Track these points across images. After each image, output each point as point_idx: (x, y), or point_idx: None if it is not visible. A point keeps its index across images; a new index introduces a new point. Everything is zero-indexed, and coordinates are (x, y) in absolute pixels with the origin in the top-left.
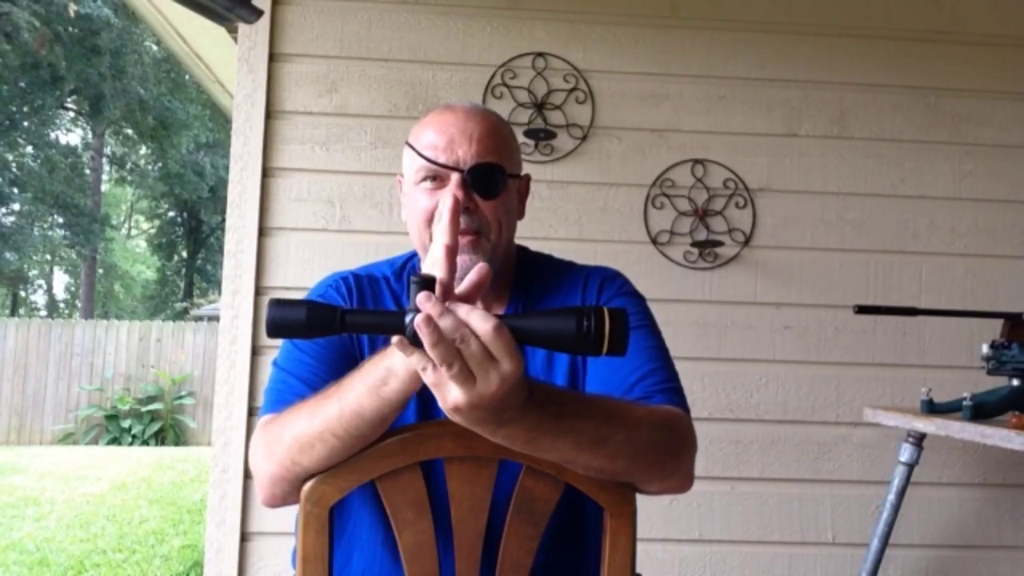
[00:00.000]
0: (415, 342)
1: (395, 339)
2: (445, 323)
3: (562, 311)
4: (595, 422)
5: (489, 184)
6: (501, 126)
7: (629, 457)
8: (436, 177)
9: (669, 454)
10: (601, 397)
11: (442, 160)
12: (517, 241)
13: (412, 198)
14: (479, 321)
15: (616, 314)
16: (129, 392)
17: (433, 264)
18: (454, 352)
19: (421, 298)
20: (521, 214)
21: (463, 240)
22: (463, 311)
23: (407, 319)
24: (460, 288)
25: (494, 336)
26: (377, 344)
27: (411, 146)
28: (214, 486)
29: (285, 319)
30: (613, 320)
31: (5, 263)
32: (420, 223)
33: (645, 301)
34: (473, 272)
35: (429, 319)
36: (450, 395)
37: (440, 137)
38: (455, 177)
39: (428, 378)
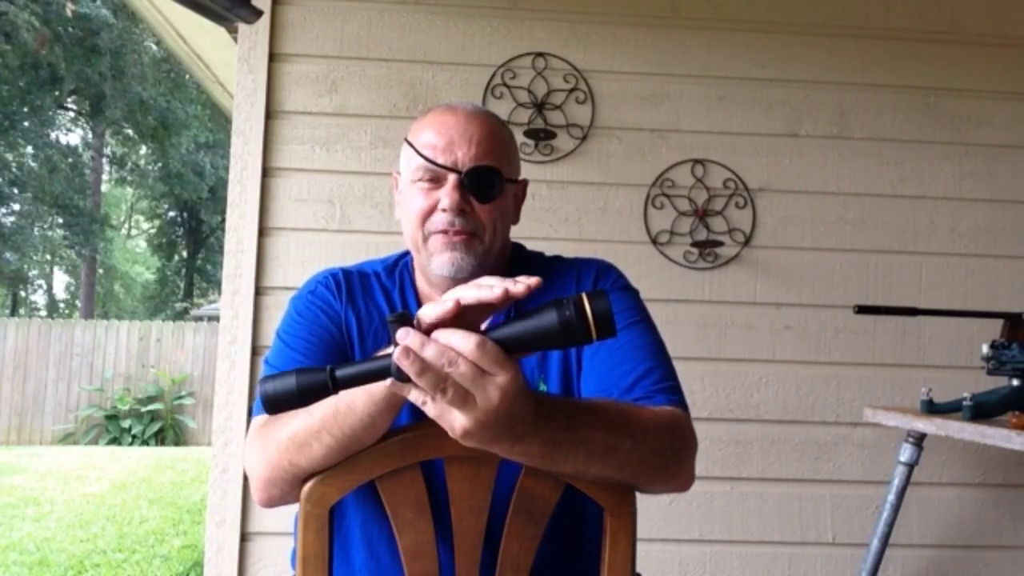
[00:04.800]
0: (405, 378)
1: (388, 383)
2: (429, 352)
3: (541, 308)
4: (604, 431)
5: (485, 187)
6: (501, 130)
7: (637, 464)
8: (433, 177)
9: (673, 457)
10: (606, 403)
11: (440, 161)
12: (515, 240)
13: (408, 196)
14: (461, 341)
15: (594, 296)
16: (129, 392)
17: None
18: (442, 377)
19: (400, 335)
20: (516, 219)
21: (457, 239)
22: (444, 335)
23: (392, 359)
24: (430, 318)
25: (479, 352)
26: (367, 339)
27: (410, 144)
28: (214, 486)
29: (277, 392)
30: (593, 303)
31: (5, 263)
32: (415, 221)
33: (639, 295)
34: (440, 307)
35: (407, 350)
36: (456, 422)
37: (440, 138)
38: (452, 178)
39: (431, 411)
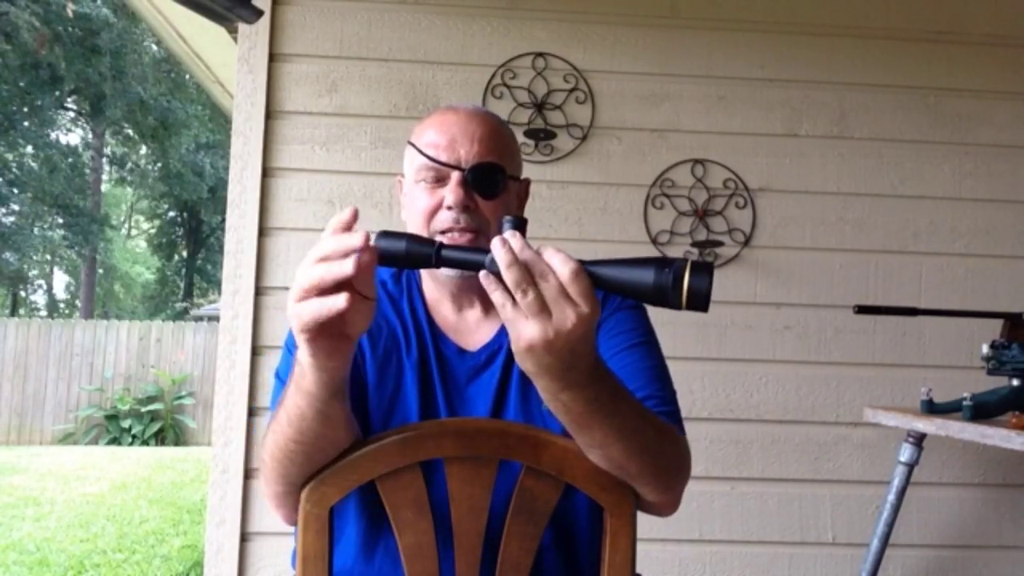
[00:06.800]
0: (496, 271)
1: (481, 275)
2: (526, 255)
3: (643, 260)
4: (636, 412)
5: (489, 184)
6: (503, 128)
7: (653, 455)
8: (437, 176)
9: (675, 467)
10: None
11: (443, 159)
12: None
13: (412, 196)
14: (560, 262)
15: (697, 269)
16: (129, 392)
17: None
18: (529, 278)
19: (508, 233)
20: None
21: (463, 239)
22: (548, 252)
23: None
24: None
25: (572, 278)
26: (378, 349)
27: (413, 145)
28: (214, 486)
29: (388, 249)
30: (693, 277)
31: (5, 263)
32: (420, 221)
33: (646, 313)
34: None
35: (504, 241)
36: (525, 331)
37: (442, 136)
38: (455, 175)
39: (506, 314)
